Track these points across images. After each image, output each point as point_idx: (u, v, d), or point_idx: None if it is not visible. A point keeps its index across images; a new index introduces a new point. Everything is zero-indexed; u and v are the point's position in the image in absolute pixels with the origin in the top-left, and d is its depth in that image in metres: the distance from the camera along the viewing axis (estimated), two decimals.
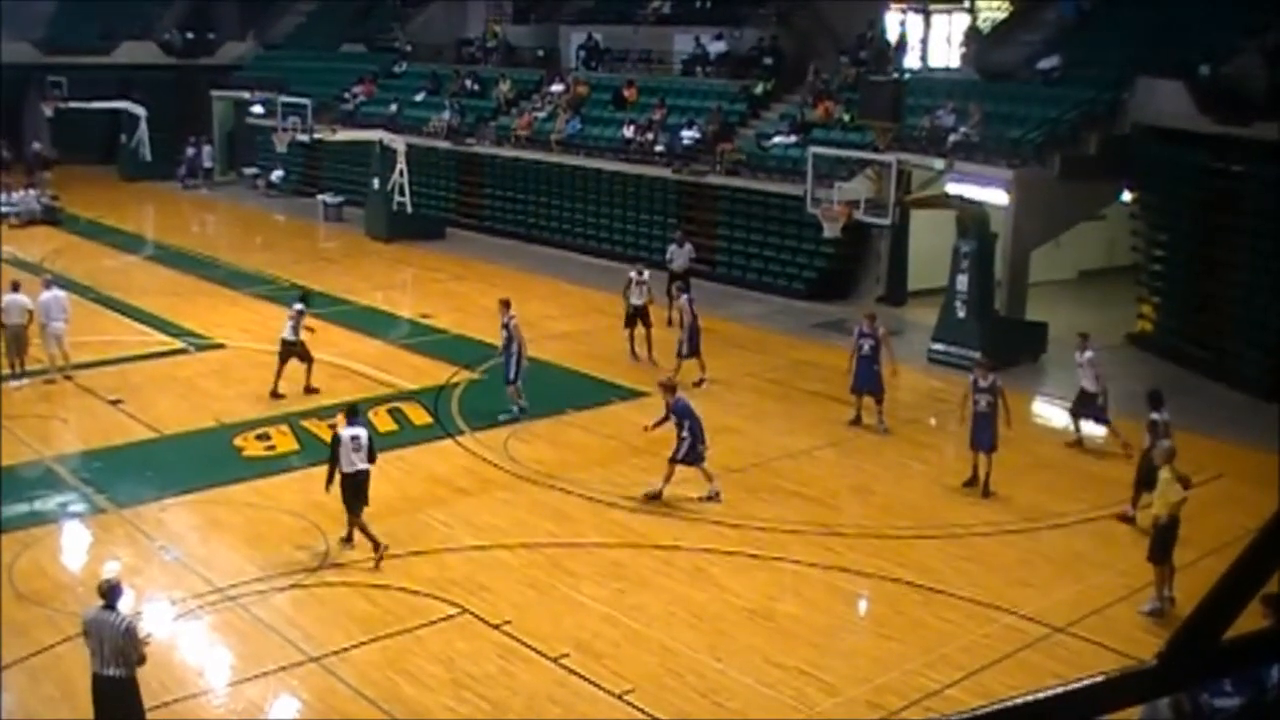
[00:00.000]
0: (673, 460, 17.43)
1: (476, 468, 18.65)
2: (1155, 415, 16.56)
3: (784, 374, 24.00)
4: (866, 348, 20.64)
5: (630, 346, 24.68)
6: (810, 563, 15.55)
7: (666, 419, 17.64)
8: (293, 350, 21.77)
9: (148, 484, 17.87)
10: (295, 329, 21.80)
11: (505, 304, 21.40)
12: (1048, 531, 16.71)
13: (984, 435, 18.01)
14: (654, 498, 17.39)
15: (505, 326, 20.98)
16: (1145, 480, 15.97)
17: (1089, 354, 19.83)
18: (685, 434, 17.40)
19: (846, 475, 18.90)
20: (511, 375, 20.91)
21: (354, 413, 16.09)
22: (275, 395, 21.65)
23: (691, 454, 17.45)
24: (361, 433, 15.57)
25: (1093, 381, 19.76)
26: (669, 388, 18.11)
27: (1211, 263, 24.63)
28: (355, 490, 15.32)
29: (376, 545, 15.15)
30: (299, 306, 22.22)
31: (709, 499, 17.39)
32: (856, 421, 20.85)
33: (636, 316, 24.61)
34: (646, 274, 25.22)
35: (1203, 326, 24.71)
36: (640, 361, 24.26)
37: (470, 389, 22.77)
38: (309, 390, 21.89)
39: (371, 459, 15.47)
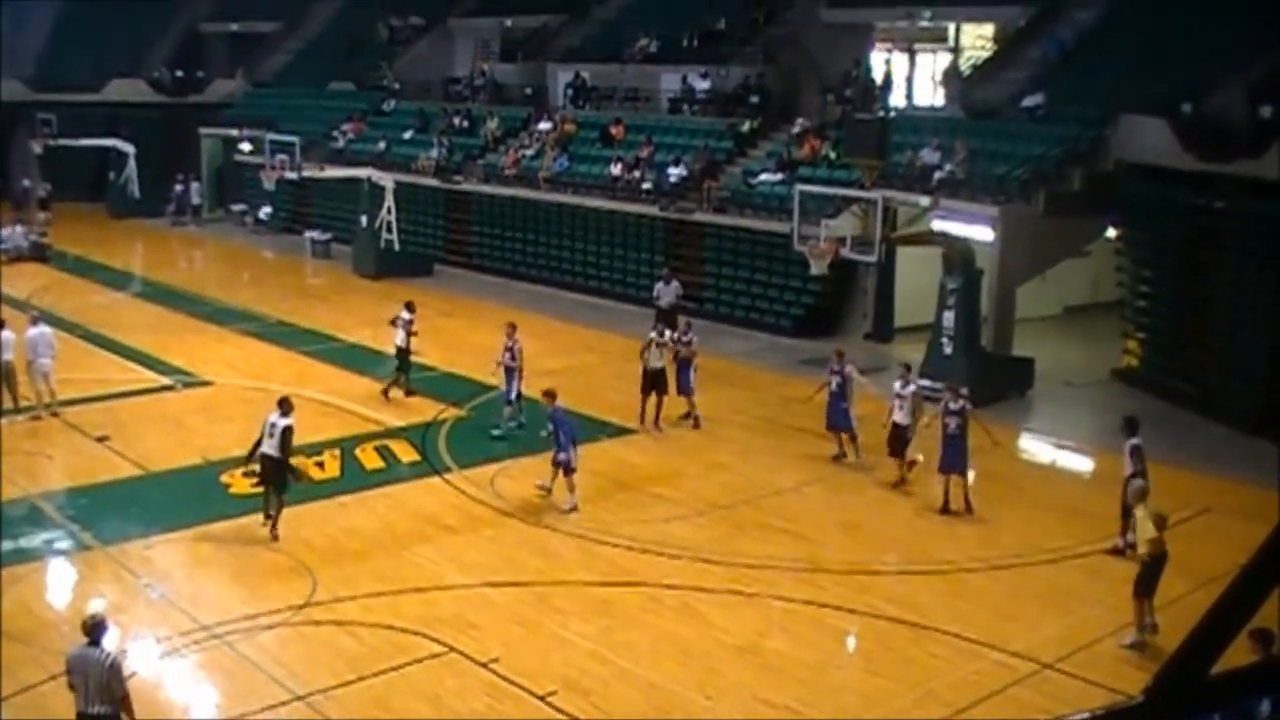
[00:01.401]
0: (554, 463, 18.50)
1: (464, 505, 18.62)
2: (1133, 440, 16.70)
3: (772, 411, 24.02)
4: (834, 385, 20.81)
5: (641, 412, 22.74)
6: (798, 599, 15.54)
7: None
8: (405, 356, 24.12)
9: (134, 521, 17.81)
10: (407, 336, 24.01)
11: (512, 326, 22.55)
12: (1035, 567, 16.72)
13: (954, 457, 18.55)
14: (544, 489, 18.67)
15: (509, 349, 22.03)
16: (1130, 509, 16.14)
17: (911, 387, 19.72)
18: (561, 439, 18.33)
19: (834, 511, 18.91)
20: (512, 395, 21.90)
21: (284, 404, 17.44)
22: (386, 396, 23.96)
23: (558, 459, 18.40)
24: (279, 422, 16.98)
25: (907, 415, 19.54)
26: (550, 395, 18.94)
27: (1196, 298, 24.76)
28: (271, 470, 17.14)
29: (268, 516, 17.05)
30: (407, 315, 24.11)
31: (567, 510, 18.21)
32: (839, 457, 20.92)
33: (652, 384, 22.61)
34: (669, 335, 23.41)
35: (1188, 361, 24.81)
36: (648, 429, 22.66)
37: (458, 426, 22.75)
38: (409, 393, 24.02)
39: (283, 450, 16.99)
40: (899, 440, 19.70)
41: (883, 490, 19.63)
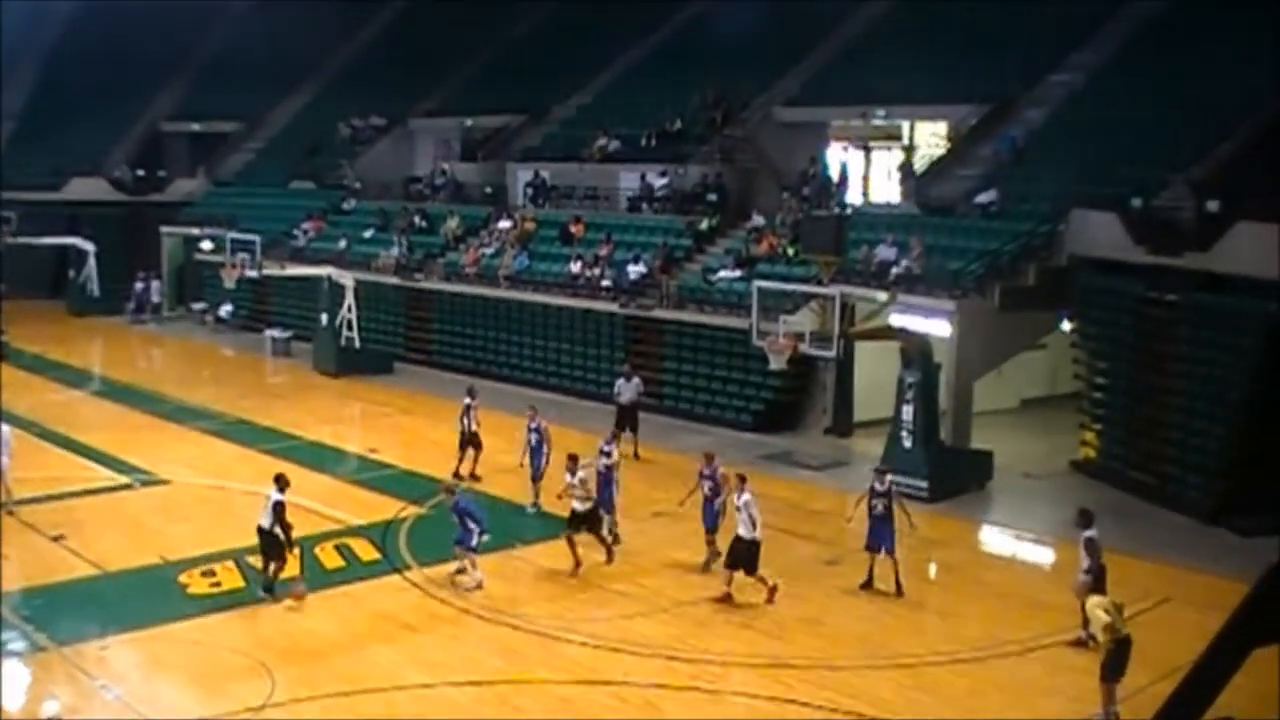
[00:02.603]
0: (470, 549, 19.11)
1: (424, 604, 18.50)
2: (1087, 533, 16.83)
3: (732, 506, 23.98)
4: (707, 489, 20.38)
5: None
6: (762, 695, 15.47)
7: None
8: (471, 439, 25.27)
9: (90, 621, 17.58)
10: (473, 420, 25.22)
11: (533, 410, 24.27)
12: (998, 659, 16.71)
13: (882, 537, 19.00)
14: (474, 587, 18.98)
15: (535, 429, 23.54)
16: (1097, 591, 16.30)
17: (745, 497, 18.84)
18: (471, 525, 19.01)
19: (795, 606, 18.84)
20: (538, 474, 23.29)
21: (279, 479, 18.70)
22: (457, 475, 24.63)
23: (465, 541, 19.07)
24: (273, 496, 18.26)
25: (749, 527, 18.58)
26: (449, 489, 20.18)
27: (1151, 389, 25.03)
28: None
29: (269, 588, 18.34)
30: (471, 401, 25.37)
31: (471, 588, 18.88)
32: (708, 564, 20.09)
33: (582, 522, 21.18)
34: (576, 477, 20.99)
35: (1145, 452, 25.02)
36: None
37: (418, 524, 22.63)
38: (473, 477, 24.99)
39: (278, 519, 18.28)
40: (740, 554, 18.69)
41: (844, 584, 19.58)
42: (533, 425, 23.73)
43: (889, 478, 19.52)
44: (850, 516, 20.63)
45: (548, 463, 23.16)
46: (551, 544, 21.14)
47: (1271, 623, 2.88)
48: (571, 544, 19.96)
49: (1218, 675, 3.04)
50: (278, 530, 18.35)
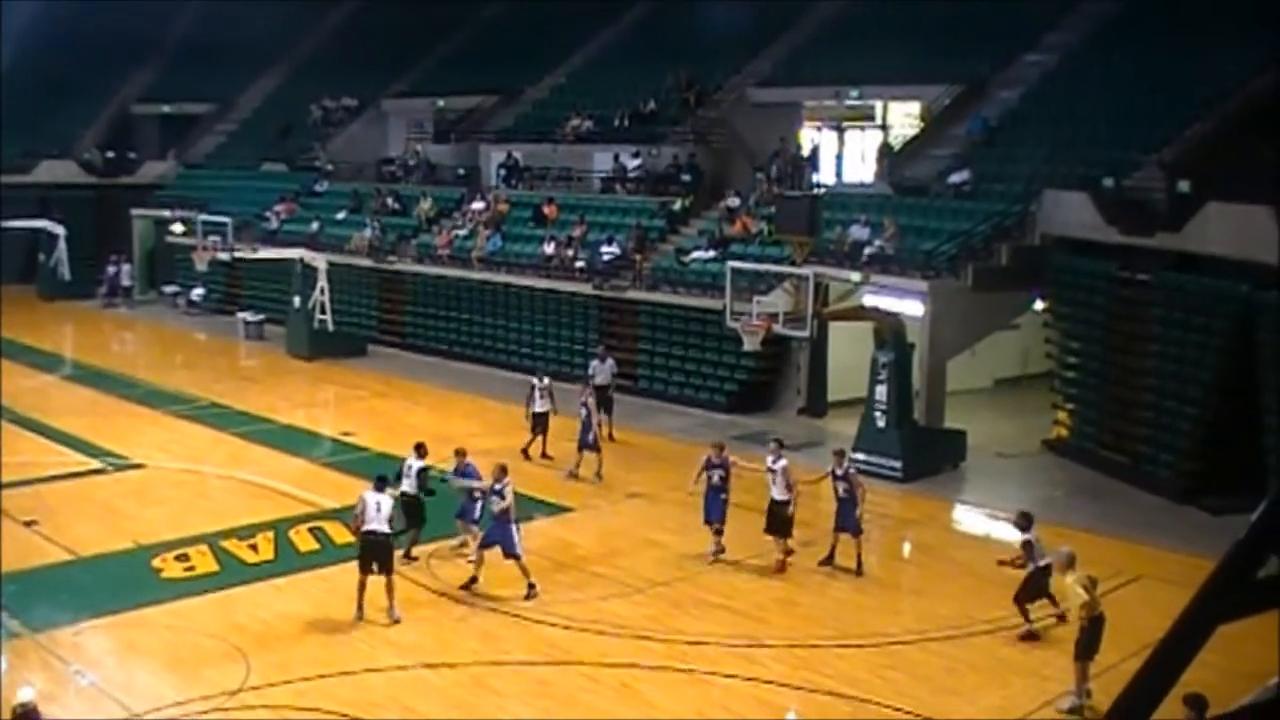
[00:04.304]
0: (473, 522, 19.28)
1: (400, 586, 18.44)
2: (1026, 536, 16.73)
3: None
4: (716, 478, 20.09)
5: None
6: (738, 676, 15.52)
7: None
8: (543, 420, 25.38)
9: (63, 607, 17.48)
10: (548, 400, 25.39)
11: (584, 387, 25.89)
12: (972, 638, 16.79)
13: (845, 519, 19.17)
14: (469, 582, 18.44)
15: (584, 404, 24.69)
16: (1031, 594, 16.52)
17: (782, 462, 19.43)
18: (477, 495, 19.02)
19: (771, 587, 18.92)
20: (585, 443, 24.28)
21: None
22: (525, 455, 25.11)
23: (469, 513, 19.23)
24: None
25: (783, 490, 19.33)
26: (460, 453, 19.80)
27: (1123, 369, 25.17)
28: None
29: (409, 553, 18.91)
30: (546, 382, 25.52)
31: (474, 560, 18.55)
32: (716, 554, 20.05)
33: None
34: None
35: (1117, 432, 25.16)
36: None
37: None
38: (545, 456, 25.44)
39: (421, 485, 18.94)
40: (778, 518, 19.44)
41: (819, 565, 19.66)
42: (583, 399, 24.84)
43: (847, 461, 19.66)
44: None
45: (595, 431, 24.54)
46: (527, 526, 21.08)
47: (1237, 599, 2.91)
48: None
49: (1184, 652, 3.07)
50: (421, 495, 19.26)
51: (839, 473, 19.33)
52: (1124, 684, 2.93)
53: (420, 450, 19.62)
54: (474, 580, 18.27)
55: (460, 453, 19.72)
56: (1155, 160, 25.84)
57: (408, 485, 19.11)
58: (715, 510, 20.01)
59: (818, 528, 20.39)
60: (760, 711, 14.75)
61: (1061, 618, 16.56)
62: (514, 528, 18.13)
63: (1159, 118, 27.60)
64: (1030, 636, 16.57)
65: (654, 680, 15.37)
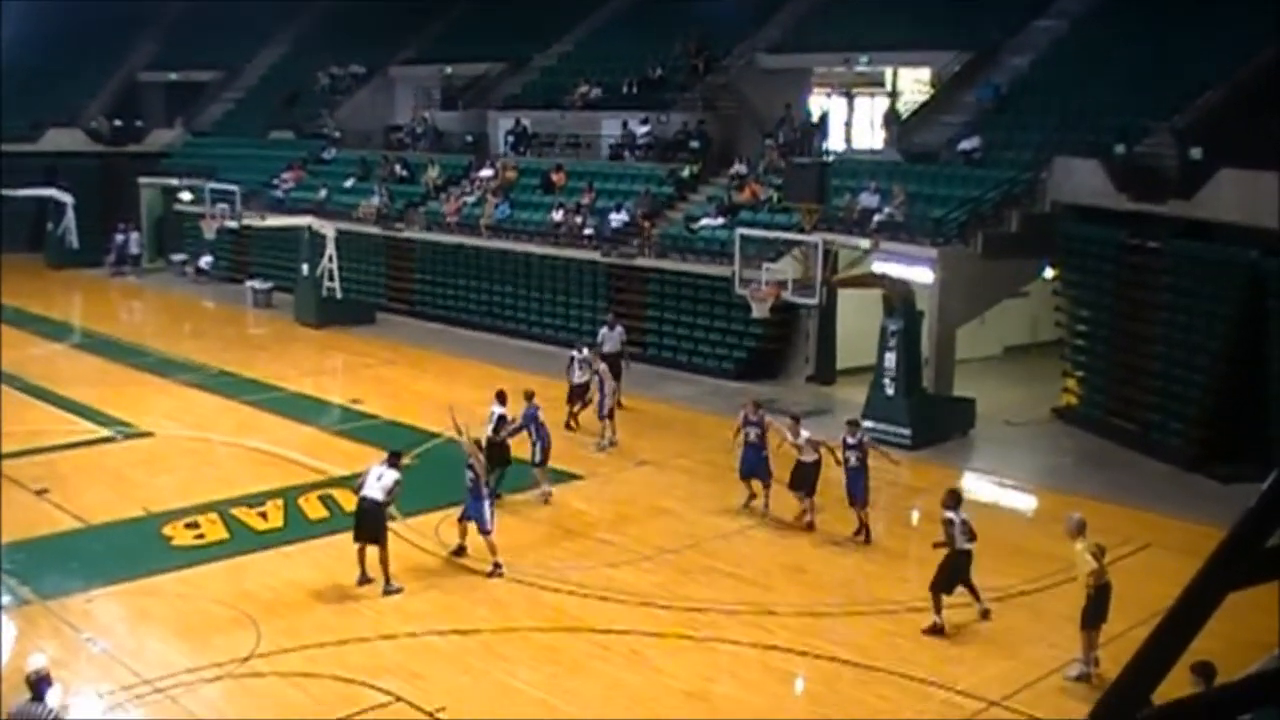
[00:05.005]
0: (535, 464, 20.79)
1: (408, 553, 18.50)
2: (950, 514, 16.13)
3: (716, 454, 23.97)
4: (753, 435, 20.52)
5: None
6: (745, 643, 15.57)
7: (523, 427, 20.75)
8: (582, 391, 25.19)
9: (74, 575, 17.57)
10: (588, 371, 25.06)
11: (595, 355, 25.45)
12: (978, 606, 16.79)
13: (856, 490, 19.17)
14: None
15: (596, 371, 24.78)
16: (949, 581, 15.90)
17: (806, 435, 19.88)
18: (535, 439, 20.65)
19: (779, 554, 18.95)
20: (604, 413, 24.40)
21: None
22: (569, 428, 25.07)
23: (544, 456, 20.80)
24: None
25: (811, 452, 19.73)
26: (528, 396, 21.15)
27: (1133, 337, 25.11)
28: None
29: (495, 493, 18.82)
30: (585, 353, 25.24)
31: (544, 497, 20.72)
32: (748, 503, 20.64)
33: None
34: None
35: (1126, 400, 25.12)
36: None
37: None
38: (568, 427, 25.09)
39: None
40: (806, 478, 19.80)
41: (827, 533, 19.69)
42: (596, 368, 25.01)
43: (861, 430, 19.71)
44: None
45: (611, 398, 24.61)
46: (534, 494, 21.19)
47: (1247, 567, 2.89)
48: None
49: (1193, 620, 3.05)
50: (502, 436, 20.19)
51: (851, 441, 19.34)
52: (1131, 652, 2.91)
53: (500, 397, 20.84)
54: (461, 549, 18.25)
55: (529, 395, 21.32)
56: (1167, 127, 25.69)
57: (490, 430, 20.09)
58: (754, 466, 20.52)
59: (826, 495, 20.39)
60: (768, 678, 14.80)
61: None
62: (486, 503, 17.73)
63: (1171, 84, 27.42)
64: (935, 631, 15.76)
65: (662, 647, 15.42)
